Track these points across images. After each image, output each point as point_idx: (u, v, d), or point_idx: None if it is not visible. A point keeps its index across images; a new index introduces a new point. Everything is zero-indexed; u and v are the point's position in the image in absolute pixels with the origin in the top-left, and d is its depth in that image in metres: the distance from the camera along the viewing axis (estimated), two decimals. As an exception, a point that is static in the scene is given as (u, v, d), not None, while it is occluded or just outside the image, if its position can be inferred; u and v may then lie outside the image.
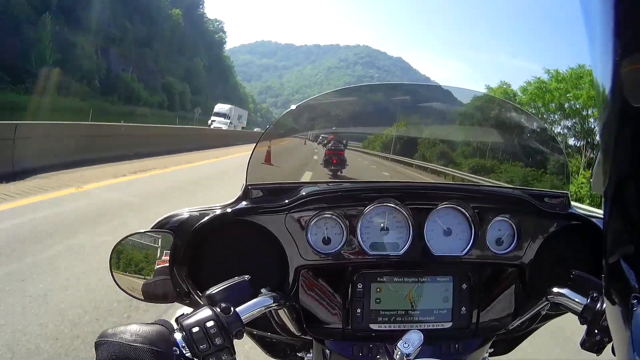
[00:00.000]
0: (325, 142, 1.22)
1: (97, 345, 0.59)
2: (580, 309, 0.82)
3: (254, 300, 0.77)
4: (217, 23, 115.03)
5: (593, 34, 0.33)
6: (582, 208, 6.07)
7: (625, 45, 0.30)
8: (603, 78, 0.32)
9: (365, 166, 1.30)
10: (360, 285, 0.94)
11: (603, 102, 0.32)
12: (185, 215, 0.94)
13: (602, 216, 1.01)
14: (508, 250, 1.01)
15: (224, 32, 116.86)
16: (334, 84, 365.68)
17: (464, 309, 0.97)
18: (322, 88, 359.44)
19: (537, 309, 0.96)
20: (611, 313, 0.35)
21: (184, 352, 0.63)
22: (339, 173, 1.19)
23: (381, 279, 0.95)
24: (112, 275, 0.89)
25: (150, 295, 0.91)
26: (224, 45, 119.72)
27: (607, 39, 0.31)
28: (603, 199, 0.33)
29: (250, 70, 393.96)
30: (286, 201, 0.93)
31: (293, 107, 1.08)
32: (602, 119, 0.33)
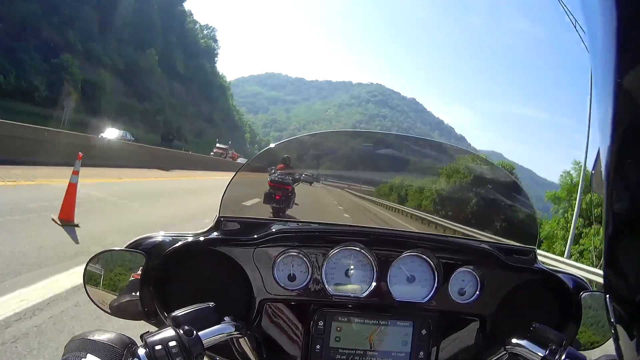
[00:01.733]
0: (272, 171, 1.19)
1: (67, 345, 0.63)
2: None
3: (217, 326, 0.78)
4: (208, 30, 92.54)
5: (594, 37, 0.33)
6: (550, 257, 11.74)
7: (626, 50, 0.30)
8: (604, 80, 0.32)
9: (330, 206, 1.33)
10: (321, 323, 0.96)
11: (603, 104, 0.32)
12: (159, 238, 0.97)
13: (567, 271, 1.10)
14: (470, 300, 1.02)
15: (216, 42, 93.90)
16: (343, 122, 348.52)
17: (422, 353, 0.99)
18: (330, 125, 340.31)
19: (495, 358, 0.96)
20: (615, 315, 0.35)
21: None
22: (280, 214, 1.15)
23: (342, 319, 0.97)
24: (85, 287, 0.92)
25: (118, 311, 0.94)
26: (216, 58, 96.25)
27: (608, 43, 0.31)
28: (603, 199, 0.34)
29: (257, 102, 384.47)
30: (255, 236, 0.97)
31: (272, 145, 1.14)
32: (602, 119, 0.33)
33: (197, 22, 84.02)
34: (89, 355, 0.59)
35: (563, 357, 0.80)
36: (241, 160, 40.46)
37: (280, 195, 1.19)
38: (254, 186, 1.19)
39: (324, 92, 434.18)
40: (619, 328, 0.34)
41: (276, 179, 1.19)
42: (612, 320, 0.35)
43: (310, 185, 1.30)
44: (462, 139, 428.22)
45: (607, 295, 0.35)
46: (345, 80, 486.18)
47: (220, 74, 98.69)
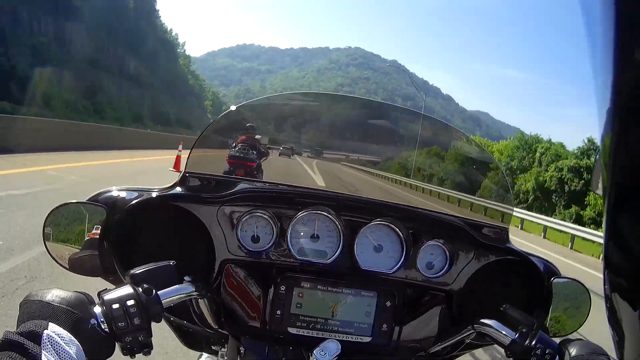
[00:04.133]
0: (233, 144, 1.12)
1: (21, 304, 0.60)
2: (508, 342, 0.81)
3: (177, 286, 0.75)
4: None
5: (593, 35, 0.33)
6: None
7: (626, 47, 0.30)
8: (604, 78, 0.31)
9: (304, 174, 1.26)
10: (283, 288, 0.95)
11: (603, 103, 0.32)
12: (122, 193, 0.94)
13: (539, 255, 1.08)
14: (438, 275, 1.02)
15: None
16: (324, 87, 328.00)
17: (385, 325, 0.98)
18: (310, 91, 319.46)
19: (461, 337, 0.94)
20: (617, 314, 0.34)
21: (103, 327, 0.62)
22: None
23: (305, 285, 0.96)
24: (44, 241, 0.89)
25: (77, 266, 0.91)
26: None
27: (607, 41, 0.30)
28: (603, 199, 0.34)
29: (229, 75, 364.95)
30: (220, 194, 0.94)
31: (233, 107, 1.07)
32: (602, 119, 0.32)
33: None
34: (50, 324, 0.55)
35: (534, 341, 0.77)
36: None
37: (242, 175, 1.11)
38: (213, 165, 1.09)
39: (300, 59, 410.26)
40: (615, 298, 0.34)
41: (236, 154, 1.10)
42: (608, 290, 0.34)
43: (289, 158, 1.22)
44: (449, 98, 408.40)
45: (606, 267, 0.35)
46: (322, 46, 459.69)
47: (168, 28, 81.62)
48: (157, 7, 77.31)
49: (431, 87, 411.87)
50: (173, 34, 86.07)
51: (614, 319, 0.35)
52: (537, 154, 29.38)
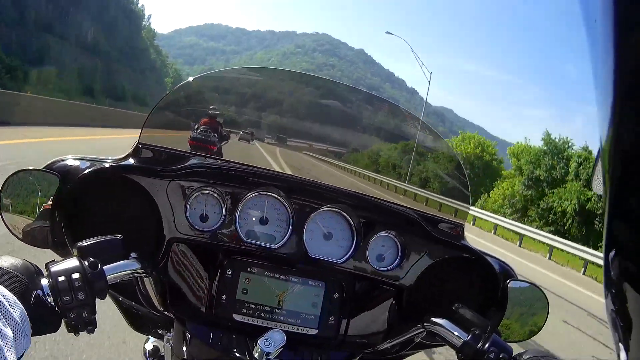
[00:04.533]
0: (195, 126, 1.09)
1: None
2: (460, 344, 0.78)
3: (122, 262, 0.73)
4: None
5: (593, 35, 0.33)
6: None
7: (626, 47, 0.30)
8: (604, 76, 0.31)
9: (258, 159, 1.20)
10: (229, 272, 0.92)
11: (603, 103, 0.32)
12: (76, 162, 0.91)
13: (493, 254, 1.04)
14: (388, 267, 0.99)
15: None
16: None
17: (332, 318, 0.95)
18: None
19: (411, 335, 0.92)
20: (617, 315, 0.34)
21: (48, 299, 0.61)
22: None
23: (252, 270, 0.93)
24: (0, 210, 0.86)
25: (29, 237, 0.89)
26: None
27: (607, 41, 0.30)
28: (603, 199, 0.34)
29: (195, 53, 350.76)
30: (171, 167, 0.92)
31: (191, 79, 1.04)
32: (602, 119, 0.32)
33: None
34: None
35: (487, 344, 0.74)
36: None
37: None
38: (172, 143, 1.04)
39: (267, 42, 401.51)
40: (616, 300, 0.34)
41: (198, 136, 1.09)
42: (610, 284, 0.34)
43: (249, 143, 1.19)
44: (413, 92, 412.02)
45: (606, 268, 0.34)
46: (289, 30, 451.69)
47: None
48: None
49: (396, 79, 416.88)
50: (139, 5, 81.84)
51: (614, 320, 0.34)
52: (573, 164, 21.32)
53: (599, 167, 0.34)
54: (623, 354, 0.33)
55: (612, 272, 0.34)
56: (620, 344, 0.34)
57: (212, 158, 1.03)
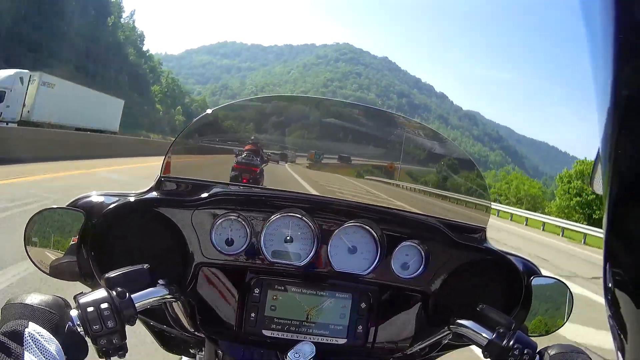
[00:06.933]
0: (238, 153, 1.16)
1: (2, 308, 0.63)
2: (485, 343, 0.81)
3: (151, 289, 0.76)
4: None
5: (593, 34, 0.33)
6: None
7: (626, 47, 0.30)
8: (604, 77, 0.31)
9: (287, 179, 1.26)
10: (257, 291, 0.94)
11: (603, 103, 0.31)
12: (100, 198, 0.95)
13: (516, 253, 1.08)
14: (413, 275, 1.01)
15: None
16: (311, 82, 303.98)
17: (360, 327, 0.97)
18: (295, 87, 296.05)
19: (438, 337, 0.94)
20: (618, 314, 0.34)
21: (78, 329, 0.65)
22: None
23: (279, 287, 0.95)
24: (25, 246, 0.89)
25: (57, 271, 0.91)
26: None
27: (608, 40, 0.30)
28: (603, 200, 0.33)
29: (207, 72, 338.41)
30: (194, 198, 0.95)
31: (209, 111, 1.07)
32: (602, 119, 0.32)
33: None
34: (30, 323, 0.58)
35: (512, 341, 0.77)
36: None
37: (247, 178, 1.15)
38: (215, 167, 1.15)
39: (285, 56, 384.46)
40: (617, 299, 0.34)
41: (243, 160, 1.15)
42: (610, 286, 0.34)
43: (278, 164, 1.25)
44: (443, 96, 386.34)
45: (606, 268, 0.34)
46: (307, 42, 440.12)
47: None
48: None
49: (424, 84, 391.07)
50: (138, 32, 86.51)
51: (615, 319, 0.34)
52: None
53: (599, 167, 0.34)
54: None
55: (613, 273, 0.34)
56: (618, 353, 0.34)
57: (234, 185, 1.06)
